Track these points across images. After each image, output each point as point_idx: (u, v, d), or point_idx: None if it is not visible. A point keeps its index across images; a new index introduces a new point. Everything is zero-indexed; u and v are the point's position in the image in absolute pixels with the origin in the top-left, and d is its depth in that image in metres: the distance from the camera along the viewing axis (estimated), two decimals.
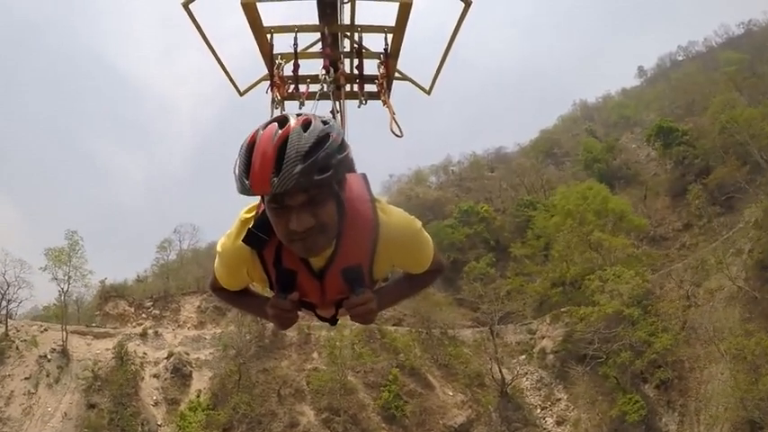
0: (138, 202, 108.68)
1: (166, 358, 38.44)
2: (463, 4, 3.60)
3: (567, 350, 39.65)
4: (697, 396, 35.53)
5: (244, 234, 1.67)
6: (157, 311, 44.59)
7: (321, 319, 2.04)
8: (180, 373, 36.74)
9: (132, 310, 45.25)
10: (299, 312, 1.87)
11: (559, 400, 37.19)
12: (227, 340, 35.46)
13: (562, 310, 40.23)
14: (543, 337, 43.31)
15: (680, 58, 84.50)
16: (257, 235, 1.64)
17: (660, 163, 57.50)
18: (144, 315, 45.03)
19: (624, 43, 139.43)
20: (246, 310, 2.23)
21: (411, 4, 3.56)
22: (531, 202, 53.45)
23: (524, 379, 39.77)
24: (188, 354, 38.61)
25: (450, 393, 34.45)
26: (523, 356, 41.98)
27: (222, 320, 41.01)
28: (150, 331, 40.90)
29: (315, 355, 35.04)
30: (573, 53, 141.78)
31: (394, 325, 39.16)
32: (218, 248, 1.81)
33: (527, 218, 51.04)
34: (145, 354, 39.23)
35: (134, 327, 43.65)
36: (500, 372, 35.79)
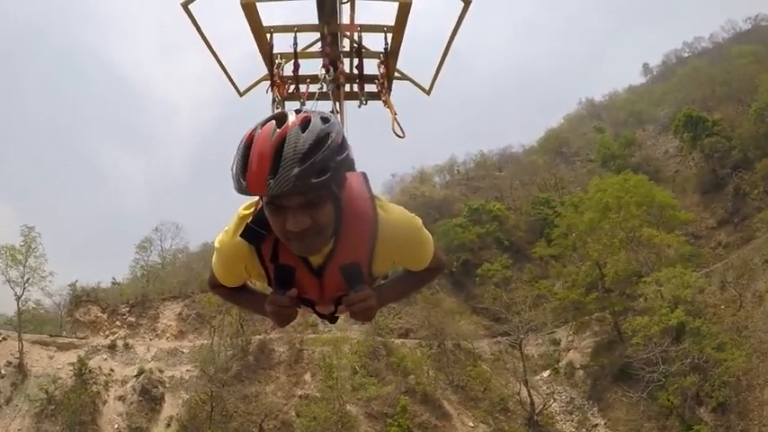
0: (138, 204, 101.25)
1: (136, 376, 30.91)
2: (463, 4, 3.31)
3: (601, 365, 32.36)
4: (760, 419, 28.31)
5: (242, 230, 1.54)
6: (133, 318, 37.11)
7: (320, 316, 1.84)
8: (149, 396, 29.21)
9: (105, 316, 37.72)
10: (298, 309, 1.72)
11: (596, 426, 29.85)
12: (206, 356, 27.83)
13: (594, 316, 32.95)
14: (569, 349, 36.02)
15: (686, 55, 78.35)
16: (255, 230, 1.51)
17: (683, 158, 50.84)
18: (118, 323, 37.54)
19: (625, 44, 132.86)
20: (245, 307, 2.04)
21: (410, 3, 3.29)
22: (547, 199, 46.44)
23: (551, 399, 32.36)
24: (161, 371, 31.08)
25: (471, 424, 26.89)
26: (548, 372, 34.64)
27: (206, 330, 33.50)
28: (120, 343, 33.42)
29: (307, 377, 27.39)
30: (574, 55, 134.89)
31: (400, 336, 31.72)
32: (216, 244, 1.67)
33: (544, 216, 44.16)
34: (111, 371, 31.70)
35: (105, 336, 36.23)
36: (529, 396, 28.35)
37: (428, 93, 4.21)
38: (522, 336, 29.60)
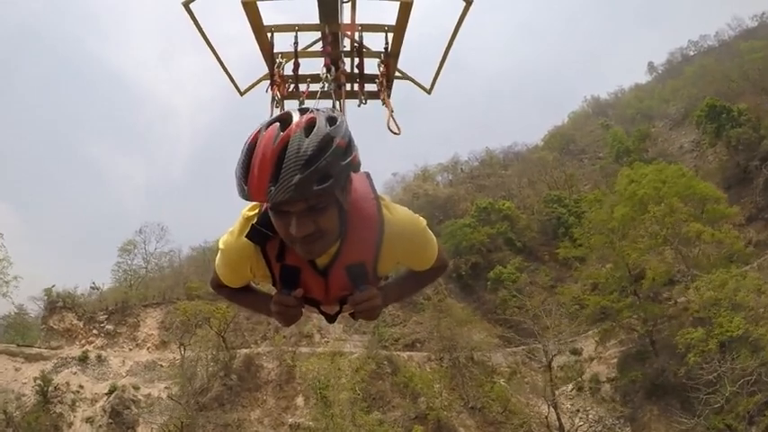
0: (138, 207, 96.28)
1: (107, 394, 26.25)
2: (464, 4, 3.18)
3: (632, 379, 27.78)
4: None
5: (247, 230, 1.49)
6: (111, 327, 32.45)
7: (324, 315, 1.74)
8: (120, 419, 24.56)
9: (81, 324, 33.05)
10: (303, 309, 1.64)
11: None
12: (183, 375, 23.06)
13: (623, 322, 28.41)
14: (592, 360, 31.41)
15: (692, 53, 74.40)
16: (261, 230, 1.45)
17: (700, 153, 46.69)
18: (95, 331, 32.88)
19: (626, 47, 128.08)
20: (249, 308, 1.93)
21: (412, 3, 3.15)
22: (559, 197, 41.92)
23: (577, 418, 27.76)
24: (137, 388, 26.42)
25: None
26: (570, 387, 30.00)
27: (191, 340, 28.67)
28: (92, 355, 28.71)
29: (299, 400, 22.57)
30: (576, 55, 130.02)
31: (406, 348, 26.99)
32: (221, 245, 1.61)
33: (558, 215, 39.70)
34: (81, 387, 27.04)
35: (81, 346, 31.62)
36: (558, 420, 23.68)
37: (429, 92, 4.00)
38: (553, 353, 24.90)
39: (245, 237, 1.46)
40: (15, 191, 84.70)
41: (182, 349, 23.36)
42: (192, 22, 3.16)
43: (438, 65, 3.74)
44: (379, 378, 23.09)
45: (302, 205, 1.24)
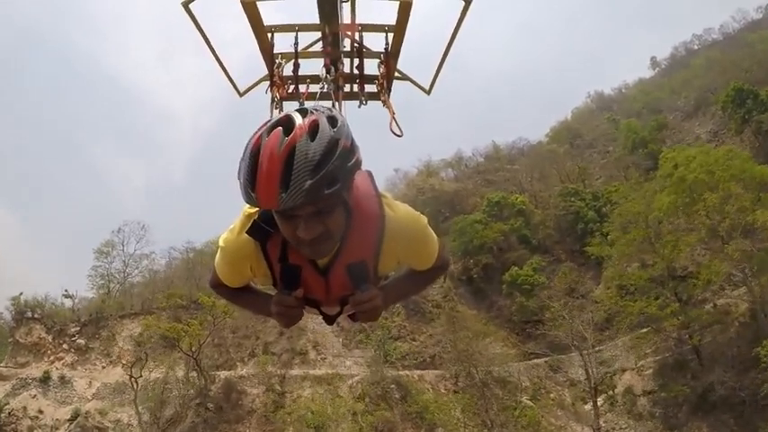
0: (139, 207, 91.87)
1: (70, 420, 21.79)
2: (463, 3, 3.12)
3: (673, 391, 23.55)
4: None
5: (248, 227, 1.43)
6: (83, 341, 28.03)
7: (325, 317, 1.69)
8: None
9: (50, 338, 28.61)
10: (304, 310, 1.59)
11: None
12: (154, 399, 18.60)
13: (664, 328, 24.23)
14: (624, 371, 27.13)
15: (695, 47, 70.82)
16: (262, 226, 1.39)
17: (718, 144, 42.75)
18: (65, 346, 28.47)
19: (626, 44, 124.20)
20: (248, 308, 1.83)
21: (411, 3, 3.09)
22: (576, 190, 37.71)
23: None
24: (104, 413, 21.93)
25: None
26: (600, 400, 25.71)
27: (170, 356, 24.13)
28: (55, 375, 24.25)
29: None
30: (576, 55, 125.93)
31: (415, 364, 22.54)
32: (221, 243, 1.54)
33: (576, 210, 35.50)
34: (40, 413, 22.57)
35: (51, 362, 27.24)
36: None
37: (428, 92, 3.93)
38: (601, 374, 20.57)
39: (246, 232, 1.39)
40: (15, 191, 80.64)
41: (133, 382, 18.85)
42: (191, 22, 3.10)
43: (437, 65, 3.67)
44: (386, 405, 18.37)
45: (311, 209, 1.20)
